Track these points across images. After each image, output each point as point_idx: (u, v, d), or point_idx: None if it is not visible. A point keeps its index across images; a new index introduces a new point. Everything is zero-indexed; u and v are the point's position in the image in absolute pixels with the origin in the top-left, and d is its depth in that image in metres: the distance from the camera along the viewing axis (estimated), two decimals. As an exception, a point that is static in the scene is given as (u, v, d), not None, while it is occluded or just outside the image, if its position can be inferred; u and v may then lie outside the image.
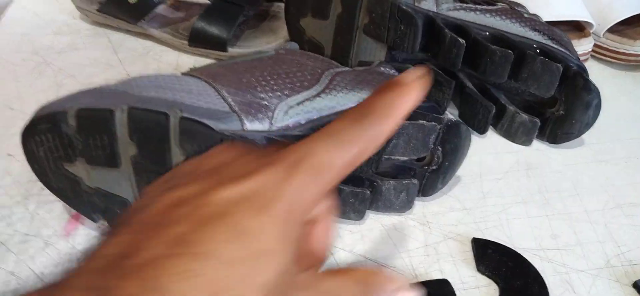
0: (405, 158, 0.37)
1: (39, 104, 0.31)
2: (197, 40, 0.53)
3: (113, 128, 0.30)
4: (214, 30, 0.52)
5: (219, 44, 0.52)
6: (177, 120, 0.30)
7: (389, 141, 0.35)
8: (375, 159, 0.35)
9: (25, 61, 0.53)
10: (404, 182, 0.37)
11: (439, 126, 0.35)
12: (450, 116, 0.36)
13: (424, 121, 0.35)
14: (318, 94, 0.36)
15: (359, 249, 0.36)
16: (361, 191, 0.36)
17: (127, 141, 0.30)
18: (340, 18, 0.46)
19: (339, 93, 0.36)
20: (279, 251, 0.17)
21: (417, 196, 0.39)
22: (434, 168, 0.38)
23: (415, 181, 0.37)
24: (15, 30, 0.58)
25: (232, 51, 0.53)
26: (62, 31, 0.58)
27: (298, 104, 0.35)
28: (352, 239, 0.37)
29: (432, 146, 0.36)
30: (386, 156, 0.36)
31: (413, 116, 0.35)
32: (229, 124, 0.32)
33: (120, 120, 0.30)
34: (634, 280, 0.34)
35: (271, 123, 0.34)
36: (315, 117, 0.35)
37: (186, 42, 0.53)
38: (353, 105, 0.37)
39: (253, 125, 0.33)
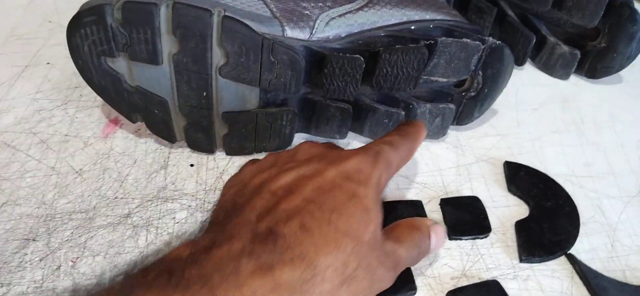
0: (444, 80, 0.36)
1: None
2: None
3: (157, 22, 0.30)
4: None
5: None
6: (220, 18, 0.30)
7: (429, 60, 0.34)
8: (414, 77, 0.35)
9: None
10: (440, 106, 0.37)
11: (483, 46, 0.34)
12: (494, 40, 0.35)
13: (468, 40, 0.34)
14: (361, 8, 0.35)
15: (391, 165, 0.36)
16: (396, 111, 0.36)
17: (170, 36, 0.30)
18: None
19: (383, 8, 0.35)
20: (376, 209, 0.26)
21: (452, 124, 0.38)
22: (473, 94, 0.37)
23: (452, 106, 0.37)
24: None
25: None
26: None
27: (340, 16, 0.35)
28: (385, 157, 0.37)
29: (474, 68, 0.35)
30: (425, 76, 0.35)
31: (457, 34, 0.34)
32: (270, 29, 0.32)
33: (164, 14, 0.30)
34: (667, 210, 0.34)
35: (312, 33, 0.34)
36: (356, 31, 0.34)
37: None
38: (396, 21, 0.36)
39: (294, 33, 0.33)
